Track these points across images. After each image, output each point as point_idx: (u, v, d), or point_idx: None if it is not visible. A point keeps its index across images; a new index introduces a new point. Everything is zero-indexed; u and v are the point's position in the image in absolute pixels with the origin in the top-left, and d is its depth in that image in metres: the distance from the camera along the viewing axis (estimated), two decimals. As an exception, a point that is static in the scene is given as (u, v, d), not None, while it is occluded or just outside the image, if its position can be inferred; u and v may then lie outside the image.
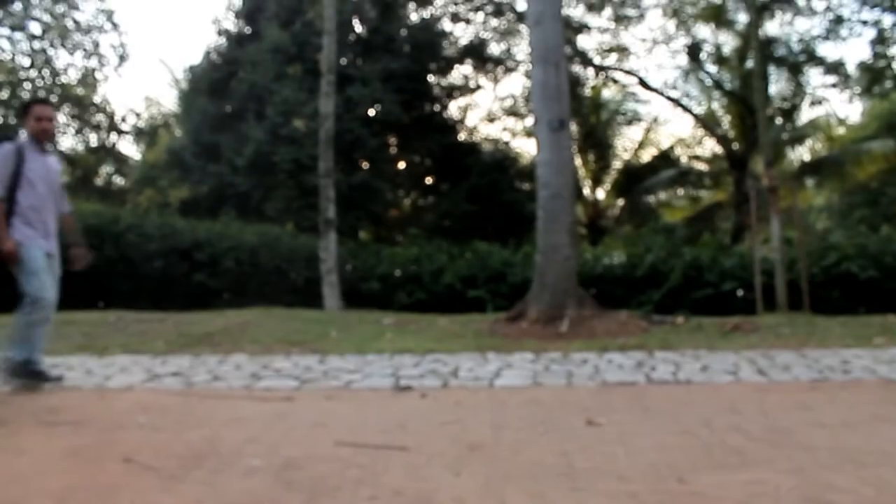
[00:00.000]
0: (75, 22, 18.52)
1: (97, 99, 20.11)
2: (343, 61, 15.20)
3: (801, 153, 21.90)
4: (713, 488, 2.52)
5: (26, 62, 18.23)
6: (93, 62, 19.12)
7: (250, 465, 2.81)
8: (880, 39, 15.93)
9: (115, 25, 19.07)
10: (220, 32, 18.56)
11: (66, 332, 6.45)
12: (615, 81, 20.95)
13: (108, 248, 10.07)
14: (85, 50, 18.84)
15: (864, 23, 16.06)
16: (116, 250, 10.23)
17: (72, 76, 19.36)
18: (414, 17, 18.64)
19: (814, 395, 4.02)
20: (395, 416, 3.62)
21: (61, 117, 18.98)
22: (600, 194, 22.39)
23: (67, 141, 20.13)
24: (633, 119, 21.92)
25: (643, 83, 19.60)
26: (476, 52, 19.02)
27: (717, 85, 19.55)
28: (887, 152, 18.32)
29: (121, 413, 3.71)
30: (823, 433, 3.21)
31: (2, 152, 4.30)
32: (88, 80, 19.58)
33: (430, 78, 18.17)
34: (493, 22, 19.18)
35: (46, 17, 18.19)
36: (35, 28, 18.17)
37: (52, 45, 18.34)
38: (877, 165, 19.00)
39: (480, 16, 19.07)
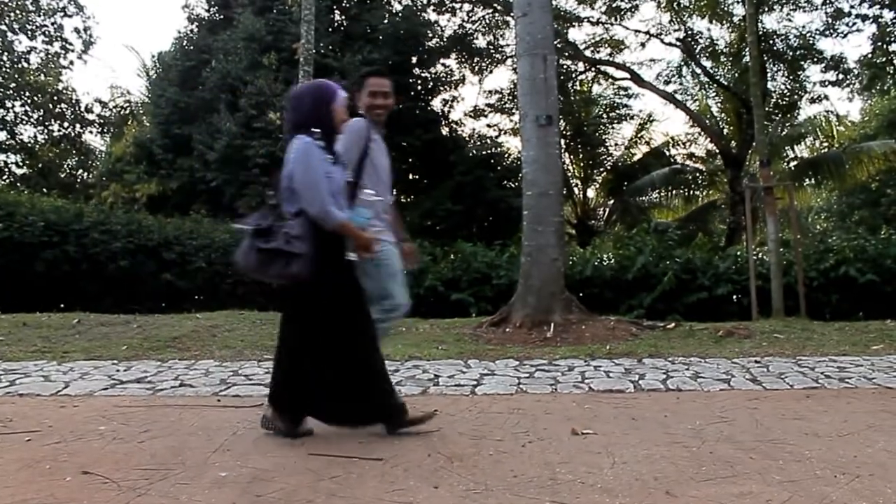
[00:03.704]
0: (36, 3, 18.08)
1: (60, 87, 19.63)
2: (321, 50, 14.94)
3: (800, 152, 21.81)
4: (703, 501, 2.50)
5: (-17, 47, 17.85)
6: (56, 47, 18.71)
7: (217, 477, 2.76)
8: (881, 35, 15.88)
9: (79, 8, 18.68)
10: (191, 18, 18.26)
11: (23, 335, 6.30)
12: (606, 76, 20.80)
13: (71, 246, 9.78)
14: (47, 34, 18.39)
15: (864, 18, 15.97)
16: (80, 248, 9.87)
17: (33, 62, 18.90)
18: (396, 5, 18.41)
19: (808, 403, 4.00)
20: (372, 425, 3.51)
21: (19, 107, 18.49)
22: (590, 193, 22.33)
23: (28, 131, 19.65)
24: (625, 116, 21.69)
25: (636, 78, 19.39)
26: (462, 44, 18.84)
27: (713, 80, 19.37)
28: (888, 152, 18.25)
29: (80, 422, 3.60)
30: (817, 443, 3.19)
31: (352, 128, 3.55)
32: (51, 66, 19.12)
33: (413, 70, 17.96)
34: (480, 12, 19.01)
35: (5, -2, 17.77)
36: (-7, 10, 17.79)
37: (11, 30, 17.87)
38: (877, 165, 18.91)
39: (466, 5, 18.90)
